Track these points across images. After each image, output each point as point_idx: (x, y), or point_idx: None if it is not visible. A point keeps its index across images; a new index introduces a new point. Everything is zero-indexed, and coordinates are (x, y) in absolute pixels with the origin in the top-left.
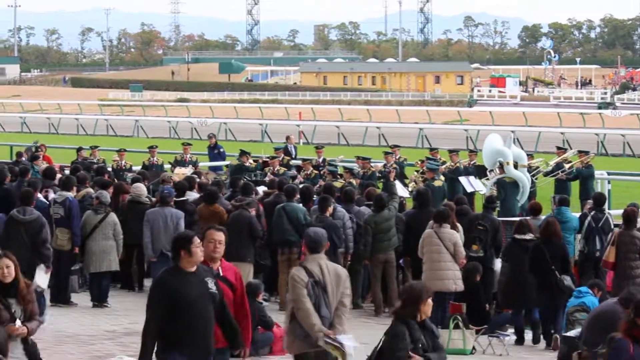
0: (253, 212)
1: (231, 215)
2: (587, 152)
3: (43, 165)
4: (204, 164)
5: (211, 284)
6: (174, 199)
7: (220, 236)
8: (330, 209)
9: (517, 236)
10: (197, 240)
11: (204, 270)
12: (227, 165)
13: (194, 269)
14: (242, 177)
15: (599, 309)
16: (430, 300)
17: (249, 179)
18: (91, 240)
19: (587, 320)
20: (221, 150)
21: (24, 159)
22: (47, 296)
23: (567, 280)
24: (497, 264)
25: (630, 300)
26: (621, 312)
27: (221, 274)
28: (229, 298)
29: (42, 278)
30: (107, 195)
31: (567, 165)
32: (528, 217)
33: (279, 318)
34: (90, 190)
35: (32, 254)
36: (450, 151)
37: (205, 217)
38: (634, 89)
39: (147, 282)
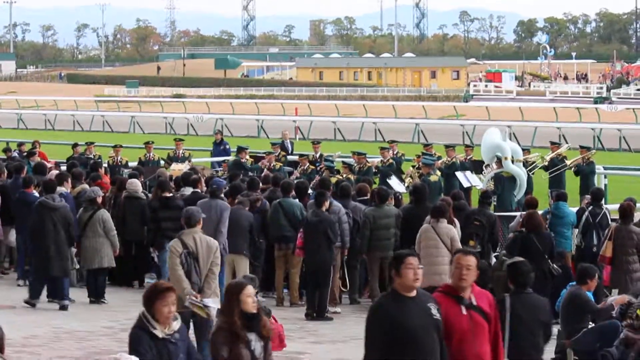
0: (246, 209)
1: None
2: (589, 148)
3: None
4: (206, 159)
5: (434, 310)
6: (166, 194)
7: (470, 260)
8: (327, 204)
9: None
10: (411, 261)
11: (425, 294)
12: (224, 161)
13: (413, 293)
14: (240, 173)
15: (567, 295)
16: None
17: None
18: (84, 237)
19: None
20: (227, 146)
21: (13, 154)
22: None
23: (556, 268)
24: (494, 259)
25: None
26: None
27: (474, 303)
28: (483, 330)
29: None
30: (92, 191)
31: (569, 162)
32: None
33: (276, 314)
34: (86, 186)
35: (62, 238)
36: (447, 146)
37: None
38: (628, 84)
39: (149, 279)
